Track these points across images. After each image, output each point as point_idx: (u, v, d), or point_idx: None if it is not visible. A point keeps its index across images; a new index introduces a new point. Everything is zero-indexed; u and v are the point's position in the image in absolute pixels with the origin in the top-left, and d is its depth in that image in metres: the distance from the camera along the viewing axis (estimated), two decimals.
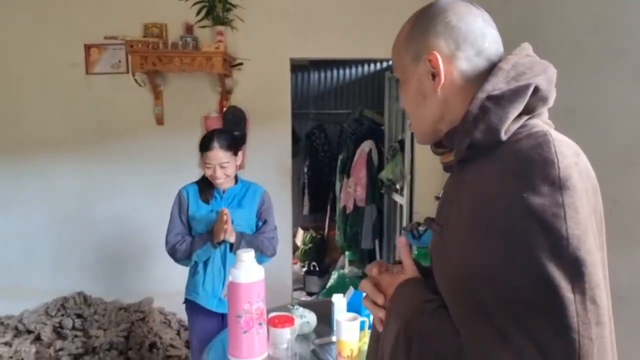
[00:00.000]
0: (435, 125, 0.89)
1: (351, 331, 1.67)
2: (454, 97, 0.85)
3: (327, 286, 4.58)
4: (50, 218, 3.67)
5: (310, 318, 1.92)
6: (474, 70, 0.84)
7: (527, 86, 0.78)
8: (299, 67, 5.72)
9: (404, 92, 0.93)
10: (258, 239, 2.27)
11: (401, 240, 0.98)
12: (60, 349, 3.04)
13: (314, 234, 5.66)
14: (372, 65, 6.00)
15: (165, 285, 3.55)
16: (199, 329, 2.30)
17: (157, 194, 3.52)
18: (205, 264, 2.29)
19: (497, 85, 0.79)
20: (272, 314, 1.81)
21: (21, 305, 3.56)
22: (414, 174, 3.59)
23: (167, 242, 2.30)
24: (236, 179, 2.35)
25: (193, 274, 2.36)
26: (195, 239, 2.25)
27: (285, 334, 1.73)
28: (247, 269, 1.69)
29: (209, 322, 2.27)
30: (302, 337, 1.87)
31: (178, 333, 3.48)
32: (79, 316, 3.44)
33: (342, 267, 4.88)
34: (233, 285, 1.68)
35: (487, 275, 0.71)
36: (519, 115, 0.78)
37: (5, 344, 3.04)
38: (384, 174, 3.88)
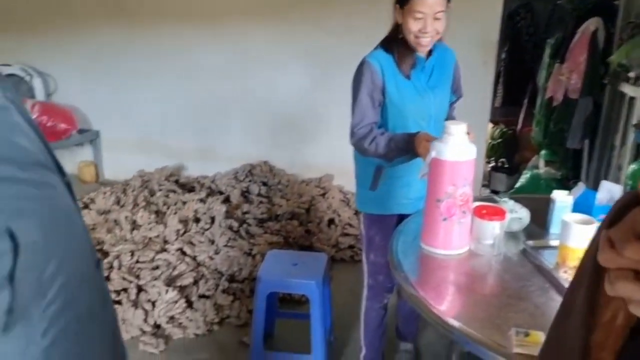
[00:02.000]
0: None
1: (583, 237, 1.31)
2: None
3: (517, 186, 4.12)
4: (241, 85, 3.73)
5: (523, 214, 1.58)
6: None
7: None
8: None
9: None
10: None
11: None
12: (247, 212, 3.17)
13: (504, 129, 5.12)
14: None
15: (347, 164, 3.44)
16: (385, 225, 1.92)
17: (343, 65, 3.31)
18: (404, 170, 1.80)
19: None
20: (478, 204, 1.51)
21: (214, 167, 3.78)
22: None
23: (352, 133, 1.76)
24: None
25: (383, 185, 1.84)
26: (391, 144, 1.66)
27: (493, 228, 1.44)
28: (456, 144, 1.40)
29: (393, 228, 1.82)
30: (510, 235, 1.56)
31: (356, 213, 3.41)
32: (264, 184, 3.54)
33: (536, 167, 4.33)
34: (436, 163, 1.41)
35: None
36: None
37: (200, 200, 3.25)
38: (615, 58, 3.14)
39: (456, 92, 1.94)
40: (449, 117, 1.90)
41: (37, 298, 0.85)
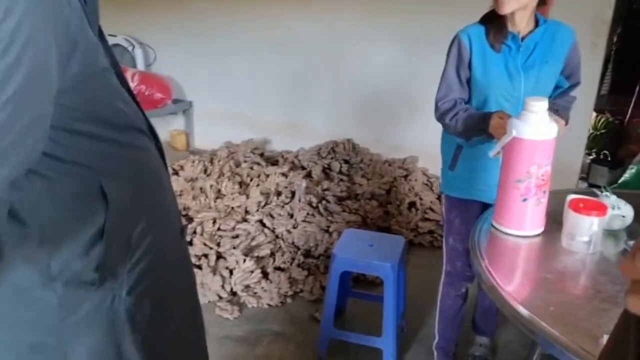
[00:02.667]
0: None
1: None
2: None
3: (620, 181, 3.78)
4: (330, 62, 3.69)
5: (626, 211, 1.42)
6: None
7: None
8: None
9: None
10: (568, 112, 1.70)
11: None
12: (327, 189, 3.16)
13: (610, 119, 4.72)
14: None
15: (433, 146, 3.32)
16: (465, 209, 1.85)
17: (437, 44, 3.16)
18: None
19: None
20: (575, 196, 1.38)
21: (298, 143, 3.80)
22: None
23: (436, 108, 1.72)
24: (536, 20, 1.63)
25: (461, 165, 1.78)
26: (469, 120, 1.61)
27: (591, 224, 1.31)
28: (538, 122, 1.33)
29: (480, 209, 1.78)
30: (609, 234, 1.42)
31: (438, 198, 3.30)
32: (346, 162, 3.51)
33: None
34: (517, 142, 1.34)
35: None
36: None
37: (283, 174, 3.28)
38: None
39: (570, 77, 1.71)
40: (561, 106, 1.69)
41: (124, 257, 0.85)
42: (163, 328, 0.95)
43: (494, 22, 1.62)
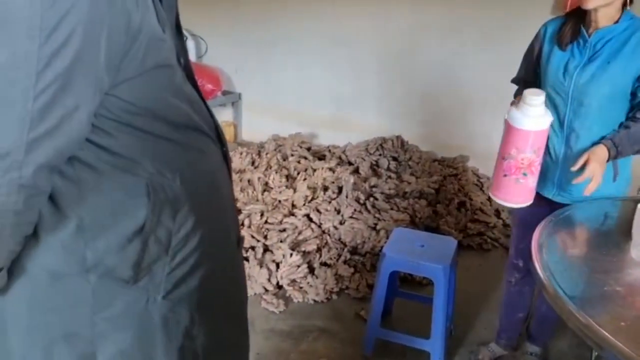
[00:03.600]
0: None
1: None
2: None
3: None
4: (380, 56, 3.65)
5: None
6: None
7: None
8: None
9: None
10: None
11: None
12: (374, 186, 3.12)
13: None
14: None
15: (485, 145, 3.23)
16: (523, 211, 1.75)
17: (492, 40, 3.08)
18: None
19: None
20: None
21: (346, 138, 3.77)
22: None
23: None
24: (620, 17, 1.54)
25: None
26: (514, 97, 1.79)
27: None
28: (527, 113, 1.43)
29: (538, 207, 1.67)
30: None
31: (489, 199, 3.21)
32: (394, 159, 3.47)
33: None
34: (506, 124, 1.50)
35: None
36: None
37: (330, 169, 3.27)
38: None
39: None
40: (629, 137, 1.53)
41: (164, 258, 0.81)
42: (205, 341, 0.90)
43: (573, 19, 1.60)
